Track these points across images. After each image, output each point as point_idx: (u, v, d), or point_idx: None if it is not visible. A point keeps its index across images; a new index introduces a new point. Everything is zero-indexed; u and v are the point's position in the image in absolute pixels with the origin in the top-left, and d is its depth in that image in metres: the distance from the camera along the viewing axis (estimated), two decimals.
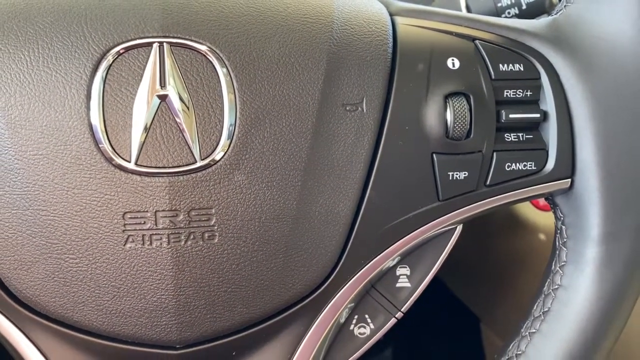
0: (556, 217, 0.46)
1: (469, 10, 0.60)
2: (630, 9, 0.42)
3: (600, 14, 0.42)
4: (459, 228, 0.45)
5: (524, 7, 0.57)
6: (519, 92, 0.43)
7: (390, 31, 0.42)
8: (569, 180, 0.43)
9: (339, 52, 0.40)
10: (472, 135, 0.42)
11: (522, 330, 0.45)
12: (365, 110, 0.40)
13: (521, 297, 0.93)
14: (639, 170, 0.42)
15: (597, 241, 0.42)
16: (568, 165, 0.43)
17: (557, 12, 0.45)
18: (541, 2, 0.57)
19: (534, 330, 0.44)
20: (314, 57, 0.39)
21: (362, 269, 0.42)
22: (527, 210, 0.83)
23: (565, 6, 0.44)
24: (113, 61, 0.37)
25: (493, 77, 0.42)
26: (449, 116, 0.41)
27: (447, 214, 0.42)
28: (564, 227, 0.45)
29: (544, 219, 0.82)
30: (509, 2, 0.58)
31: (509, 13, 0.58)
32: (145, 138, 0.37)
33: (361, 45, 0.41)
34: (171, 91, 0.37)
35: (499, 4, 0.58)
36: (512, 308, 0.96)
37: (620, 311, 0.43)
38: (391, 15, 0.44)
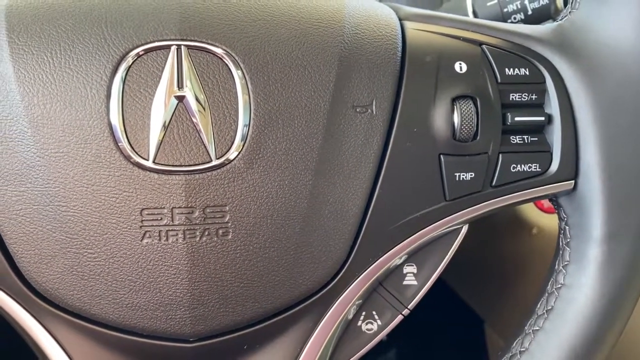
0: (560, 218, 0.47)
1: (475, 15, 0.61)
2: (632, 16, 0.43)
3: (604, 20, 0.43)
4: (465, 228, 0.46)
5: (529, 12, 0.59)
6: (525, 95, 0.44)
7: (400, 35, 0.43)
8: (573, 181, 0.44)
9: (349, 56, 0.41)
10: (478, 137, 0.43)
11: (526, 328, 0.46)
12: (374, 112, 0.41)
13: (524, 298, 0.94)
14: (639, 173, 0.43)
15: (600, 241, 0.43)
16: (572, 167, 0.44)
17: (562, 18, 0.46)
18: (547, 8, 0.58)
19: (538, 328, 0.45)
20: (326, 60, 0.41)
21: (370, 266, 0.43)
22: (530, 212, 0.84)
23: (570, 12, 0.45)
24: (132, 63, 0.39)
25: (499, 80, 0.43)
26: (456, 118, 0.42)
27: (453, 214, 0.43)
28: (567, 227, 0.46)
29: (547, 220, 0.83)
30: (515, 8, 0.59)
31: (515, 18, 0.59)
32: (163, 137, 0.39)
33: (371, 49, 0.42)
34: (188, 92, 0.39)
35: (505, 10, 0.59)
36: (515, 309, 0.97)
37: (622, 309, 0.44)
38: (400, 19, 0.45)
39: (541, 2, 0.58)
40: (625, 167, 0.43)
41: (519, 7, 0.59)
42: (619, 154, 0.43)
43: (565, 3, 0.59)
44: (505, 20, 0.60)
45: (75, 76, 0.38)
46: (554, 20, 0.59)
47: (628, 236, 0.43)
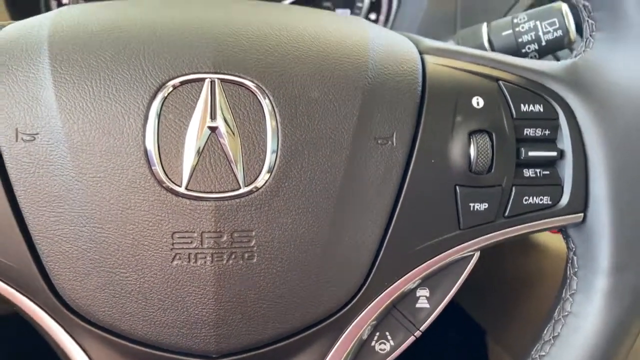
0: (568, 248, 0.49)
1: (491, 43, 0.62)
2: None
3: (617, 60, 0.45)
4: (477, 254, 0.48)
5: (543, 43, 0.60)
6: (538, 131, 0.46)
7: (420, 71, 0.45)
8: (582, 214, 0.46)
9: (372, 91, 0.43)
10: (493, 170, 0.45)
11: (533, 353, 0.48)
12: (395, 144, 0.43)
13: (528, 312, 0.95)
14: None
15: (607, 273, 0.45)
16: (581, 201, 0.46)
17: (576, 56, 0.48)
18: (560, 39, 0.60)
19: (544, 354, 0.47)
20: (350, 95, 0.43)
21: (385, 289, 0.45)
22: None
23: (583, 51, 0.47)
24: (168, 94, 0.41)
25: (514, 116, 0.45)
26: (472, 152, 0.44)
27: (466, 242, 0.45)
28: (575, 257, 0.48)
29: (554, 241, 0.85)
30: (530, 38, 0.61)
31: (529, 48, 0.61)
32: (196, 165, 0.41)
33: (393, 84, 0.44)
34: (220, 123, 0.41)
35: (520, 40, 0.61)
36: (519, 322, 0.99)
37: (626, 339, 0.46)
38: (421, 53, 0.47)
39: (555, 34, 0.60)
40: (632, 203, 0.45)
41: (533, 37, 0.60)
42: (627, 190, 0.45)
43: (579, 30, 0.61)
44: (519, 50, 0.61)
45: (113, 105, 0.40)
46: (569, 49, 0.62)
47: (634, 269, 0.45)
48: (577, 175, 0.46)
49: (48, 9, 0.94)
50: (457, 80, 0.46)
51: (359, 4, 0.98)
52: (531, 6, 0.85)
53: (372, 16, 0.99)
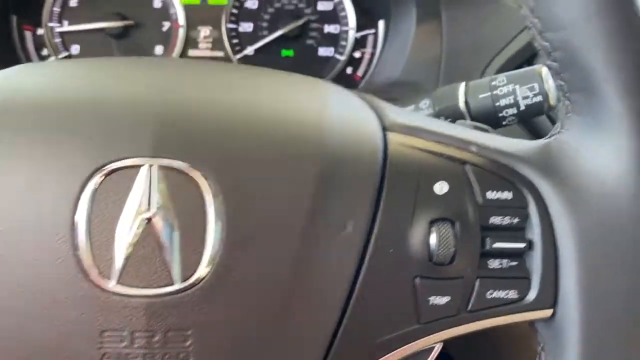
0: (537, 341, 0.46)
1: (467, 105, 0.60)
2: (622, 147, 0.41)
3: (592, 146, 0.42)
4: (439, 345, 0.45)
5: (522, 108, 0.58)
6: (506, 219, 0.43)
7: (382, 152, 0.42)
8: (551, 310, 0.43)
9: (328, 175, 0.40)
10: (455, 261, 0.42)
11: None
12: (350, 232, 0.40)
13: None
14: (618, 309, 0.42)
15: None
16: (550, 296, 0.43)
17: (551, 136, 0.45)
18: (539, 105, 0.57)
19: None
20: (303, 180, 0.40)
21: None
22: None
23: (558, 132, 0.44)
24: (101, 182, 0.38)
25: (480, 203, 0.42)
26: (433, 241, 0.41)
27: (426, 336, 0.42)
28: (543, 353, 0.45)
29: None
30: (508, 102, 0.58)
31: (507, 112, 0.58)
32: (127, 259, 0.37)
33: (351, 167, 0.41)
34: (156, 213, 0.37)
35: (497, 104, 0.58)
36: None
37: None
38: (384, 130, 0.44)
39: (533, 100, 0.57)
40: (605, 301, 0.42)
41: (512, 102, 0.58)
42: (599, 288, 0.42)
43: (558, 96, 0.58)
44: (497, 114, 0.58)
45: (41, 194, 0.37)
46: (547, 114, 0.59)
47: None
48: (547, 268, 0.42)
49: (22, 41, 0.92)
50: (420, 163, 0.43)
51: (343, 43, 0.95)
52: (517, 53, 0.83)
53: (357, 54, 0.96)
